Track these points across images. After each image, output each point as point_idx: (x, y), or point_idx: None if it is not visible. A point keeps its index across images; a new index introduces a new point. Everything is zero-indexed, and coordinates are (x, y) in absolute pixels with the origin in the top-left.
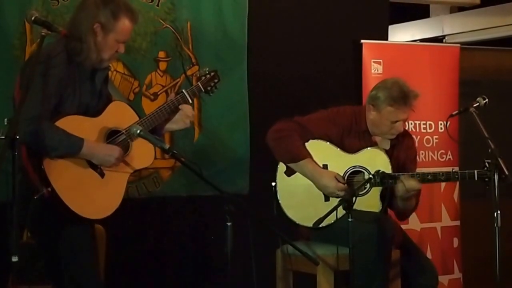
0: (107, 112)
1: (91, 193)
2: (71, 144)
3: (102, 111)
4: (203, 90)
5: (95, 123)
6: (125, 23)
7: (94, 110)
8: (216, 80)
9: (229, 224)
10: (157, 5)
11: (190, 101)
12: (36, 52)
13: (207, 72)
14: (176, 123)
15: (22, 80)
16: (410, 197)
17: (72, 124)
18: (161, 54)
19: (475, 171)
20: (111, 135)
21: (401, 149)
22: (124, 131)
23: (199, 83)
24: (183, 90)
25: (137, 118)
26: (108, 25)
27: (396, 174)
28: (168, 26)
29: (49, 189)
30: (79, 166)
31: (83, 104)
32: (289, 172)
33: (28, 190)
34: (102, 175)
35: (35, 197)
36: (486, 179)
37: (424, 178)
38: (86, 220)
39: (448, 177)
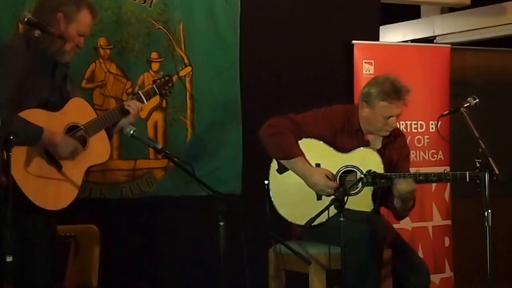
0: (67, 108)
1: (47, 184)
2: (31, 132)
3: (61, 106)
4: (157, 92)
5: (55, 118)
6: (86, 16)
7: (52, 105)
8: (170, 84)
9: (221, 224)
10: (150, 6)
11: (145, 102)
12: (30, 53)
13: (161, 76)
14: (127, 118)
15: None
16: (408, 198)
17: (33, 116)
18: (154, 55)
19: (467, 173)
20: (70, 130)
21: (394, 148)
22: (82, 127)
23: (154, 86)
24: (139, 92)
25: (95, 115)
26: (71, 15)
27: (388, 174)
28: (160, 27)
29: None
30: (37, 157)
31: (42, 98)
32: (281, 170)
33: None
34: (59, 167)
35: None
36: (478, 181)
37: (415, 179)
38: (41, 211)
39: (439, 178)
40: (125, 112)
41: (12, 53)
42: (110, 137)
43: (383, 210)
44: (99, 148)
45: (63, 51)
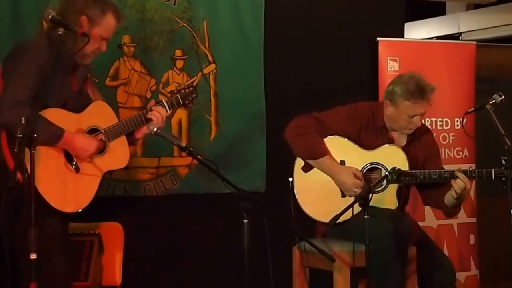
0: (89, 110)
1: (64, 186)
2: (52, 132)
3: (81, 108)
4: (181, 102)
5: (76, 119)
6: (110, 20)
7: (72, 106)
8: (194, 95)
9: (245, 221)
10: (174, 4)
11: (168, 111)
12: (53, 52)
13: (186, 87)
14: (150, 124)
15: (5, 68)
16: (465, 195)
17: (54, 116)
18: (178, 53)
19: (493, 170)
20: (90, 133)
21: (419, 146)
22: (102, 131)
23: (178, 95)
24: (163, 100)
25: (117, 120)
26: (95, 18)
27: (412, 171)
28: (184, 24)
29: (26, 176)
30: (56, 158)
31: (63, 98)
32: (307, 168)
33: (5, 177)
34: (77, 169)
35: (10, 185)
36: (504, 178)
37: (441, 176)
38: (57, 212)
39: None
40: (148, 120)
41: (35, 51)
42: (132, 142)
43: (407, 208)
44: (118, 154)
45: (84, 53)
